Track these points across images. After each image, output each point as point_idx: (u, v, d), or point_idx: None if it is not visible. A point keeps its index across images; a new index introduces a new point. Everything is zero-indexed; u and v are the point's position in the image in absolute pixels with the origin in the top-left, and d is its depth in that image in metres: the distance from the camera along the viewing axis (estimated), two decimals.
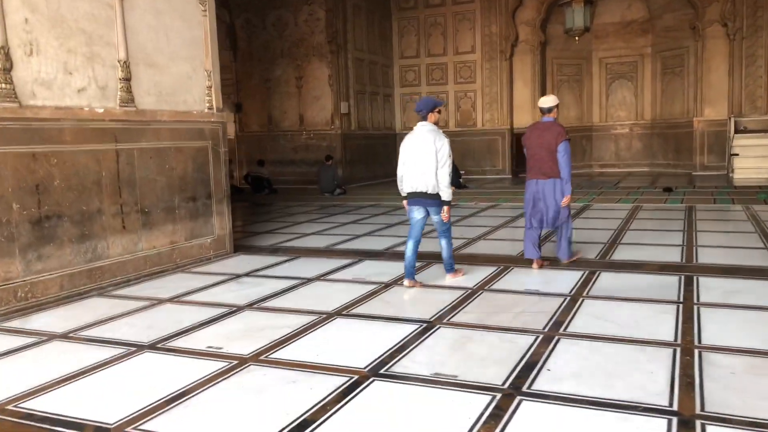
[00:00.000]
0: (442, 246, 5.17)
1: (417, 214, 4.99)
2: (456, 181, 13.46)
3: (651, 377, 3.08)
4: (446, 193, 4.84)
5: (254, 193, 14.00)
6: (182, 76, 6.26)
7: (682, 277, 5.03)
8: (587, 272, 5.31)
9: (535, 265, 5.54)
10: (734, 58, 14.61)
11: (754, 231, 7.11)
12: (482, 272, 5.47)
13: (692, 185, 12.34)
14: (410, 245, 5.06)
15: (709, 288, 4.67)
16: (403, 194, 5.04)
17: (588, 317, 4.10)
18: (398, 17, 17.52)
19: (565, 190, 5.37)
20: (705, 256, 5.81)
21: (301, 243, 7.46)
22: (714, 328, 3.78)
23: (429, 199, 4.84)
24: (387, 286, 5.13)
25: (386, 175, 17.21)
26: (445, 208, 4.92)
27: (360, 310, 4.48)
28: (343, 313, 4.41)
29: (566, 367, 3.25)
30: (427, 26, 17.33)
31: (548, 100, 5.47)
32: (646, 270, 5.37)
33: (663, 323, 3.91)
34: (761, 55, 14.36)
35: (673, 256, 5.92)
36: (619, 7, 16.91)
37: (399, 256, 6.30)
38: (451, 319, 4.16)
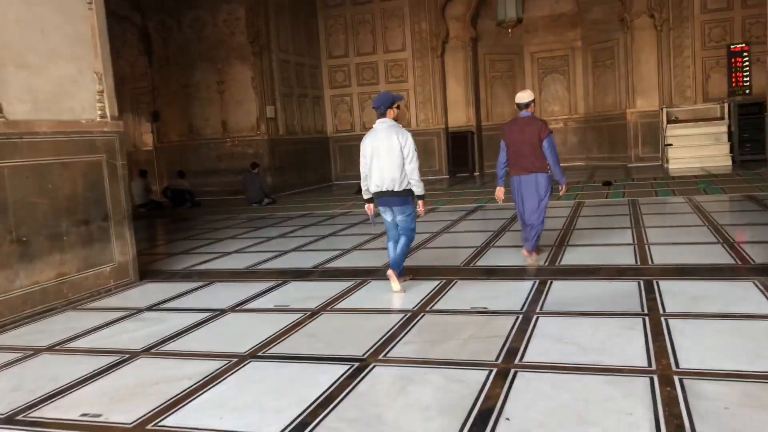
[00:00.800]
0: (399, 243, 4.87)
1: (387, 215, 4.87)
2: None
3: (631, 421, 2.50)
4: (419, 188, 4.70)
5: (175, 207, 12.98)
6: (65, 79, 5.35)
7: (641, 282, 4.54)
8: (537, 282, 4.76)
9: (531, 258, 5.44)
10: (662, 49, 14.63)
11: (702, 224, 6.77)
12: (423, 288, 4.83)
13: (630, 178, 12.16)
14: (391, 246, 4.91)
15: (673, 294, 4.19)
16: (367, 196, 4.88)
17: (546, 340, 3.51)
18: (324, 15, 16.81)
19: (560, 181, 5.42)
20: (659, 256, 5.37)
21: (221, 264, 6.64)
22: (689, 344, 3.26)
23: (395, 197, 4.68)
24: (314, 314, 4.41)
25: (319, 180, 16.48)
26: (420, 202, 4.79)
27: (280, 348, 3.75)
28: (259, 354, 3.67)
29: (528, 414, 2.64)
30: (355, 24, 16.69)
31: (525, 96, 5.41)
32: (601, 276, 4.87)
33: (631, 342, 3.37)
34: (688, 45, 14.43)
35: (627, 257, 5.46)
36: (548, 0, 16.74)
37: (330, 275, 5.59)
38: (388, 354, 3.49)
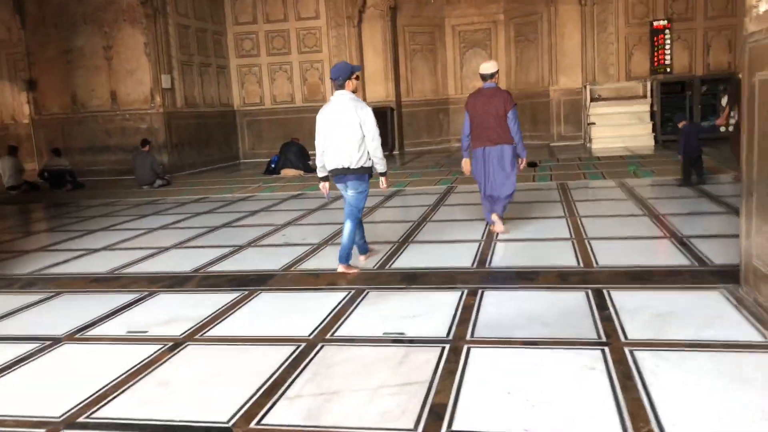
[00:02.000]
0: (345, 231, 4.51)
1: (345, 193, 4.57)
2: (305, 163, 11.74)
3: None
4: (381, 164, 4.51)
5: (53, 189, 11.30)
6: None
7: (589, 292, 3.72)
8: (466, 292, 3.85)
9: (497, 227, 5.41)
10: (586, 24, 14.13)
11: (641, 212, 6.11)
12: (326, 303, 3.82)
13: (555, 158, 11.57)
14: (349, 226, 4.51)
15: (631, 311, 3.37)
16: (322, 173, 4.61)
17: (483, 389, 2.59)
18: None
19: (521, 154, 5.37)
20: (604, 254, 4.59)
21: (80, 266, 5.37)
22: (670, 398, 2.42)
23: (352, 174, 4.41)
24: (177, 345, 3.31)
25: (225, 159, 15.08)
26: (383, 179, 4.62)
27: (115, 408, 2.64)
28: (81, 420, 2.55)
29: None
30: None
31: (489, 66, 5.45)
32: (540, 283, 4.02)
33: (594, 393, 2.50)
34: (611, 21, 13.99)
35: (566, 255, 4.66)
36: None
37: (212, 283, 4.47)
38: (264, 419, 2.47)
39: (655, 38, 13.72)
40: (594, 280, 3.99)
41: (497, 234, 5.43)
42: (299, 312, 3.73)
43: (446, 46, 16.46)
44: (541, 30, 15.03)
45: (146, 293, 4.31)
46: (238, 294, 4.14)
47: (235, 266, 4.96)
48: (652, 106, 13.35)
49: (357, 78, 4.45)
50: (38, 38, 13.13)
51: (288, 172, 11.55)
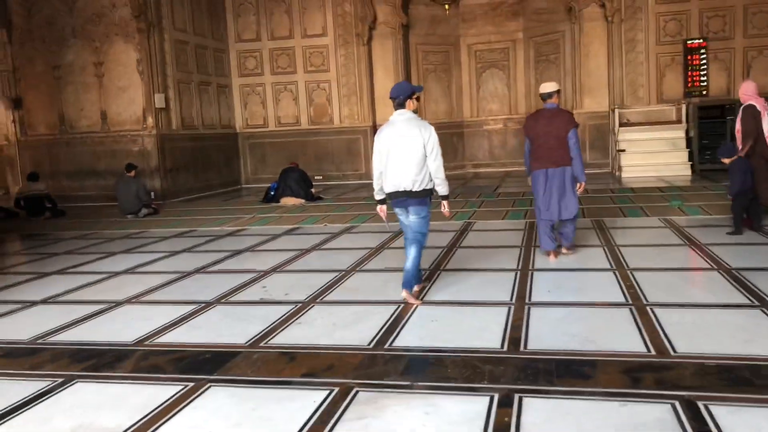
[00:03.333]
0: (410, 256, 4.30)
1: (404, 217, 4.38)
2: (307, 191, 10.70)
3: None
4: (444, 187, 4.31)
5: (31, 217, 10.31)
6: None
7: (677, 404, 2.56)
8: (496, 400, 2.70)
9: (552, 257, 5.34)
10: (613, 43, 13.04)
11: (709, 266, 4.94)
12: (296, 411, 2.69)
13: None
14: (414, 252, 4.30)
15: None
16: (380, 196, 4.39)
17: None
18: None
19: (579, 178, 5.26)
20: (679, 334, 3.41)
21: (1, 329, 4.27)
22: None
23: (414, 198, 4.23)
24: None
25: (225, 183, 14.08)
26: (445, 203, 4.41)
27: None
28: None
29: None
30: (268, 3, 14.35)
31: (549, 86, 5.36)
32: (602, 383, 2.85)
33: None
34: (641, 39, 12.89)
35: (629, 334, 3.47)
36: None
37: (152, 365, 3.33)
38: None
39: (690, 58, 12.60)
40: (677, 381, 2.82)
41: (529, 296, 4.28)
42: (254, 429, 2.59)
43: (461, 66, 15.45)
44: (564, 49, 13.98)
45: (60, 381, 3.20)
46: (179, 388, 3.01)
47: (190, 336, 3.83)
48: (687, 131, 12.17)
49: (417, 99, 4.34)
50: (25, 53, 12.30)
51: (288, 200, 10.49)
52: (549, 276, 4.90)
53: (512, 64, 15.22)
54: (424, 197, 4.24)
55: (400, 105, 4.27)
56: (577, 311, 3.98)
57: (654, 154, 12.11)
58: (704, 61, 12.50)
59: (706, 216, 7.22)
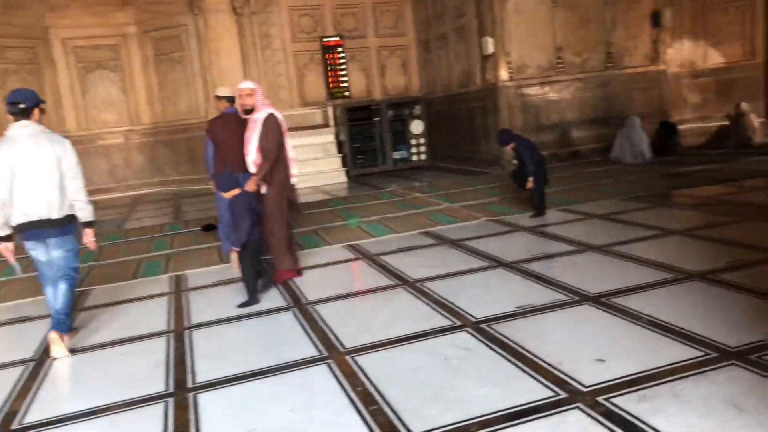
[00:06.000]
0: (59, 294, 3.62)
1: (40, 252, 3.59)
2: None
3: None
4: (88, 211, 3.65)
5: None
6: None
7: None
8: None
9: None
10: (246, 39, 11.30)
11: (456, 324, 3.30)
12: None
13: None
14: (51, 293, 3.64)
15: None
16: (4, 232, 3.51)
17: None
18: None
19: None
20: None
21: None
22: None
23: (55, 227, 3.54)
24: None
25: None
26: (90, 231, 3.69)
27: None
28: None
29: None
30: None
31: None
32: None
33: None
34: (276, 35, 11.44)
35: None
36: None
37: None
38: None
39: (328, 57, 11.66)
40: None
41: None
42: None
43: (57, 67, 11.85)
44: (189, 46, 11.70)
45: None
46: None
47: None
48: (337, 135, 11.17)
49: (43, 110, 3.66)
50: None
51: None
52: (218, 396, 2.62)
53: (126, 64, 12.27)
54: (68, 225, 3.63)
55: (23, 115, 3.54)
56: None
57: (306, 162, 10.72)
58: (343, 61, 11.69)
59: (394, 235, 5.83)
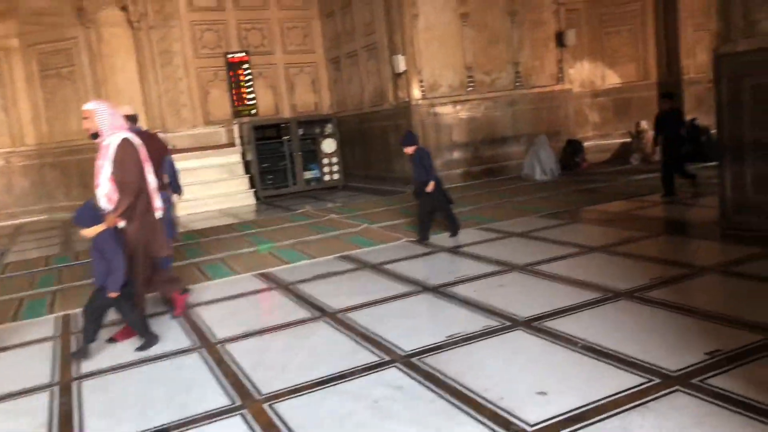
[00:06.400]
0: None
1: None
2: None
3: None
4: None
5: None
6: None
7: None
8: None
9: None
10: (144, 54, 10.62)
11: (384, 360, 3.00)
12: None
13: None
14: None
15: None
16: None
17: None
18: None
19: None
20: None
21: None
22: None
23: None
24: None
25: None
26: None
27: None
28: None
29: None
30: None
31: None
32: None
33: None
34: (178, 51, 10.82)
35: None
36: None
37: None
38: None
39: (233, 74, 11.17)
40: None
41: None
42: None
43: None
44: (81, 61, 10.85)
45: None
46: None
47: None
48: (244, 155, 10.66)
49: None
50: None
51: None
52: None
53: (8, 80, 11.19)
54: None
55: None
56: None
57: (211, 184, 10.18)
58: (249, 78, 11.24)
59: (310, 260, 5.48)
